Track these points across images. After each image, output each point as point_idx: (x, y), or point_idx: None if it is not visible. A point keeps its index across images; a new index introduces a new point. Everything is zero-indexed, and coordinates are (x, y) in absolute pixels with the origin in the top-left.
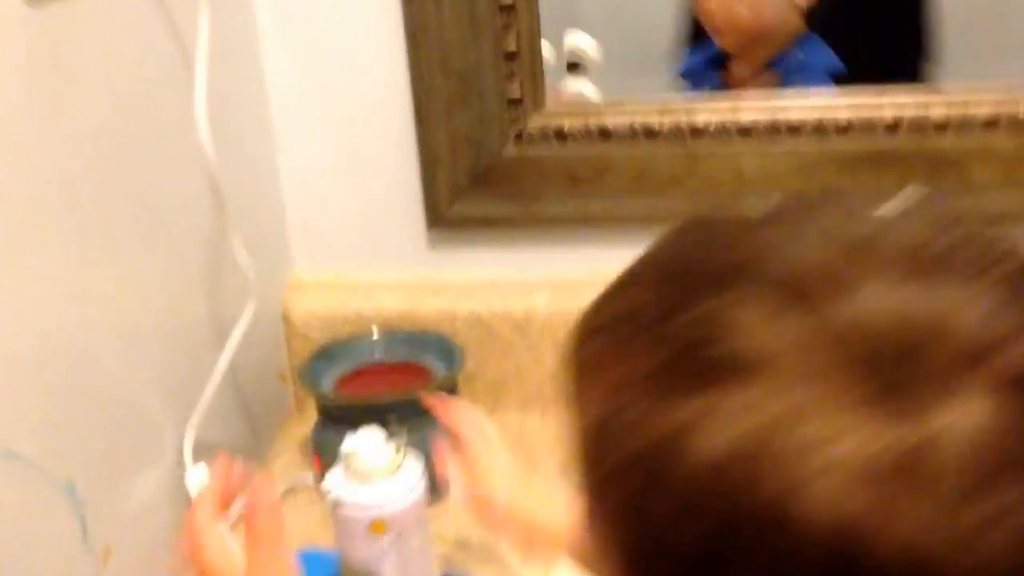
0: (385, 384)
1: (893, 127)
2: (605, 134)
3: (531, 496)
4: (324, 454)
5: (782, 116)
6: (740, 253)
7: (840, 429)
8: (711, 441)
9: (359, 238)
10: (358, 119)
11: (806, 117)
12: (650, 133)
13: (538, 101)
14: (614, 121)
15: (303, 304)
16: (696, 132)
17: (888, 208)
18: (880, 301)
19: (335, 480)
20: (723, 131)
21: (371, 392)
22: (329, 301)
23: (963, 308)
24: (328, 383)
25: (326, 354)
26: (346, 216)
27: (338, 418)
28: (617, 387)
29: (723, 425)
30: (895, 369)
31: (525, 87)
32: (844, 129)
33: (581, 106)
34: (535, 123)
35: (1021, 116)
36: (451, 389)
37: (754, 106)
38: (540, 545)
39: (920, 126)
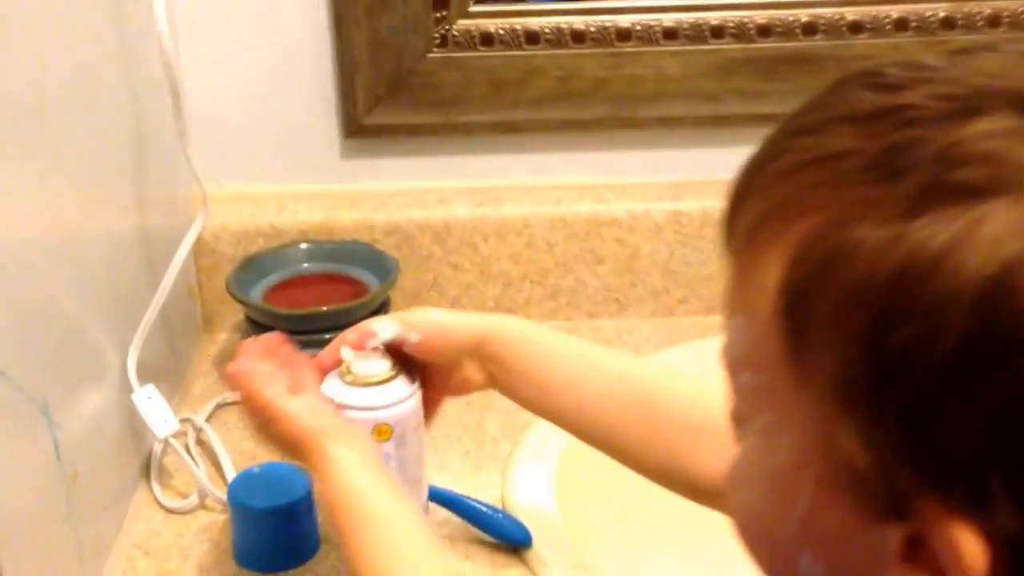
0: (314, 296)
1: (811, 29)
2: (533, 38)
3: (460, 315)
4: None
5: (704, 18)
6: (960, 85)
7: None
8: (975, 260)
9: (270, 148)
10: (270, 20)
11: (728, 17)
12: (578, 36)
13: (464, 4)
14: (541, 23)
15: (211, 217)
16: (622, 35)
17: None
18: None
19: (333, 387)
20: (648, 33)
21: (305, 304)
22: (239, 214)
23: None
24: (255, 296)
25: (251, 266)
26: (256, 124)
27: (269, 331)
28: (842, 220)
29: (989, 244)
30: None
31: None
32: (765, 30)
33: (505, 9)
34: (460, 26)
35: (929, 17)
36: (384, 301)
37: (678, 5)
38: (487, 352)
39: (836, 28)
